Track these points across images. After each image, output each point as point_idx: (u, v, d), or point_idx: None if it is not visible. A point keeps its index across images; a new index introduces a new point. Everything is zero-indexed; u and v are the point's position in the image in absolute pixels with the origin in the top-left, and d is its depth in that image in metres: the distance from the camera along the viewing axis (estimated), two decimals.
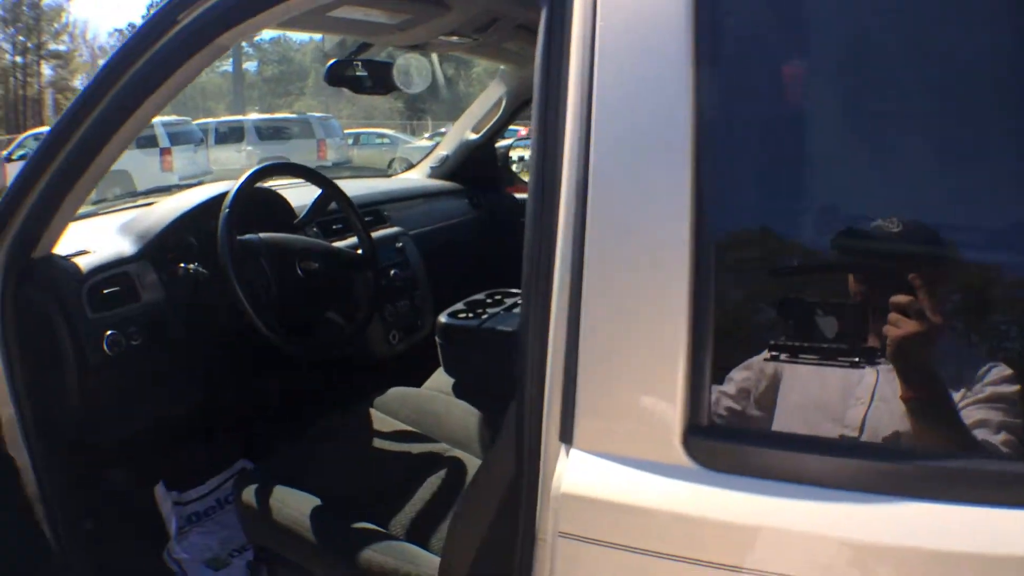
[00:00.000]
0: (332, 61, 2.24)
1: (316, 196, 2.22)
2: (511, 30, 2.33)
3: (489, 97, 3.20)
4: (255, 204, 2.06)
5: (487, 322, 2.25)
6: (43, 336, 1.76)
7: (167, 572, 2.16)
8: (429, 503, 1.75)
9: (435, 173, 3.42)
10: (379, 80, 2.26)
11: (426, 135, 22.40)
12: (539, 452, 0.97)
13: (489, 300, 2.42)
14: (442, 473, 1.83)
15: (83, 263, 1.85)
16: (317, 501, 1.67)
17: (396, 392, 2.14)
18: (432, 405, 2.11)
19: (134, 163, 14.16)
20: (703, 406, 0.88)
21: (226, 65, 45.79)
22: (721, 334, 0.90)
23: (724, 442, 0.90)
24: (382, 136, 20.59)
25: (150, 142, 14.69)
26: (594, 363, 0.92)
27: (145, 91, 1.51)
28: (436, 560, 1.53)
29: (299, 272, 2.01)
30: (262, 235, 2.00)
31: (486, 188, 3.41)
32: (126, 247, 1.98)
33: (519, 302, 2.33)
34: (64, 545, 1.79)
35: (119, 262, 1.92)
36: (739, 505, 0.86)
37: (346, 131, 19.30)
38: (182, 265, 1.98)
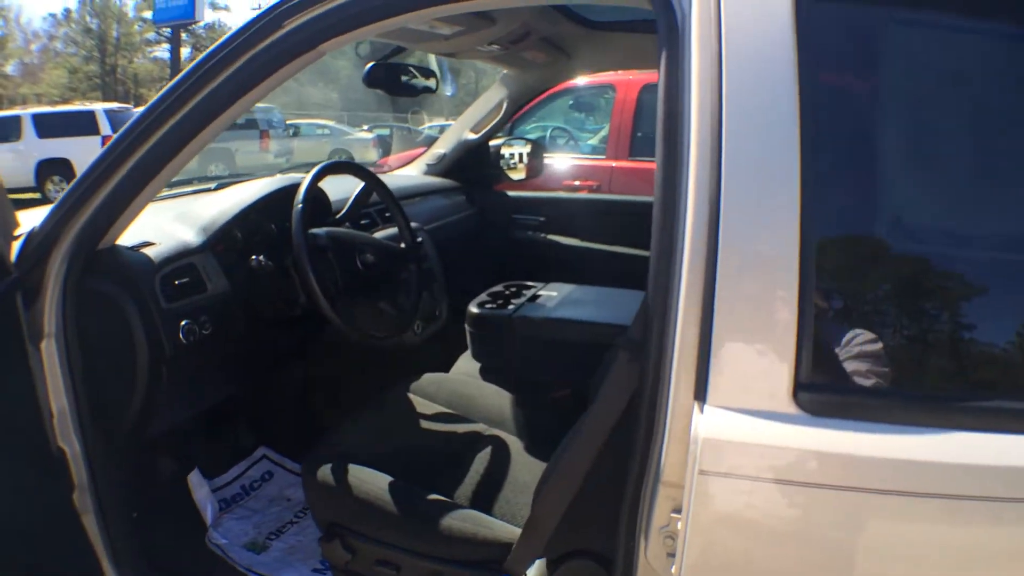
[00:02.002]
0: (371, 64, 2.34)
1: (357, 191, 2.32)
2: (536, 42, 2.47)
3: (490, 99, 3.33)
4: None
5: (518, 311, 2.37)
6: (111, 326, 1.80)
7: (210, 557, 2.23)
8: (483, 475, 1.89)
9: (431, 170, 3.53)
10: (415, 82, 2.38)
11: (365, 127, 22.29)
12: (666, 408, 1.17)
13: (508, 291, 2.54)
14: (488, 449, 1.98)
15: (152, 254, 1.90)
16: (389, 477, 1.77)
17: (430, 377, 2.25)
18: (465, 388, 2.24)
19: (76, 151, 14.09)
20: (806, 369, 1.12)
21: (159, 51, 45.15)
22: (820, 315, 1.13)
23: (822, 395, 1.12)
24: (322, 127, 20.42)
25: (88, 128, 14.56)
26: (725, 339, 1.13)
27: (240, 91, 1.57)
28: (504, 524, 1.69)
29: (359, 265, 2.10)
30: (327, 230, 2.08)
31: (480, 185, 3.56)
32: (190, 238, 2.04)
33: (538, 293, 2.48)
34: (112, 534, 1.86)
35: (186, 253, 1.98)
36: (835, 440, 1.10)
37: (287, 122, 19.15)
38: (254, 257, 2.05)
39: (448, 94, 3.08)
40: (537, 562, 1.58)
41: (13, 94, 42.38)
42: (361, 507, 1.74)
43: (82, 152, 13.93)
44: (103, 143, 14.34)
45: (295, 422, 2.62)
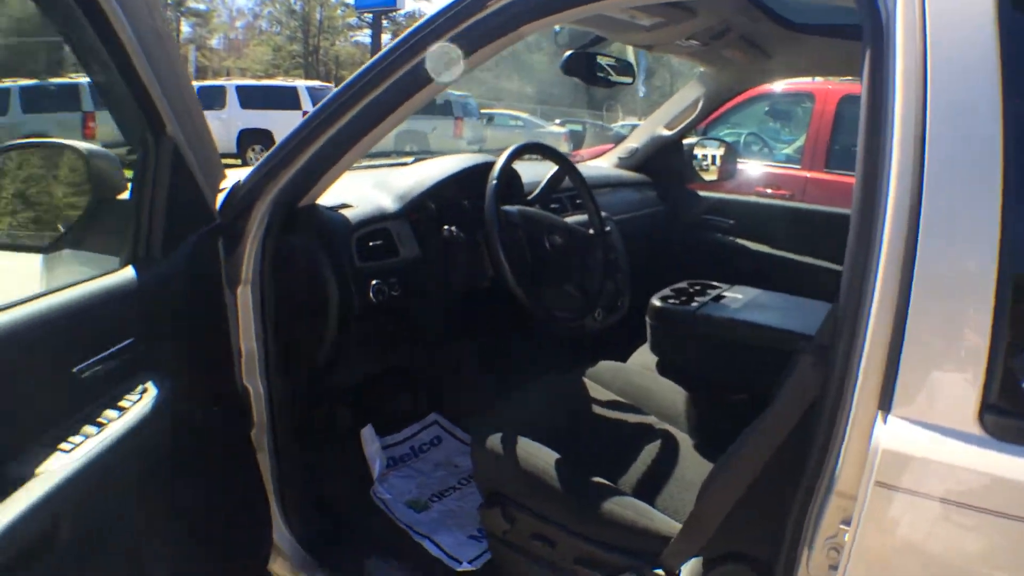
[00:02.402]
0: (569, 52, 2.39)
1: (550, 174, 2.39)
2: (736, 39, 2.45)
3: (686, 96, 3.32)
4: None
5: (702, 309, 2.37)
6: (305, 279, 1.91)
7: (373, 508, 2.35)
8: (650, 467, 1.90)
9: (623, 164, 3.55)
10: (611, 74, 2.41)
11: (557, 121, 22.52)
12: (848, 415, 1.15)
13: (692, 289, 2.54)
14: (657, 442, 1.99)
15: (350, 215, 2.02)
16: (557, 454, 1.81)
17: (607, 365, 2.29)
18: (641, 380, 2.26)
19: (277, 124, 14.81)
20: (995, 391, 1.07)
21: (361, 36, 46.83)
22: (1015, 337, 1.08)
23: (1009, 419, 1.07)
24: (515, 118, 20.83)
25: (291, 103, 15.21)
26: (915, 351, 1.10)
27: None
28: (665, 517, 1.69)
29: (547, 245, 2.16)
30: (519, 208, 2.16)
31: (671, 183, 3.54)
32: (387, 204, 2.15)
33: (723, 294, 2.46)
34: (283, 474, 1.98)
35: (381, 217, 2.10)
36: (1019, 467, 1.05)
37: (481, 111, 19.58)
38: (446, 228, 2.15)
39: (640, 94, 3.10)
40: (693, 560, 1.57)
41: (218, 67, 45.06)
42: (526, 479, 1.79)
43: (283, 124, 14.63)
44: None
45: (469, 393, 2.71)
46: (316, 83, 17.40)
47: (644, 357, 2.50)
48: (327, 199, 1.97)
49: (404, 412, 2.69)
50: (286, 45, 47.67)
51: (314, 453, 2.10)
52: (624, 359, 2.48)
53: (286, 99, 15.74)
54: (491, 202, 2.00)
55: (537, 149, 2.37)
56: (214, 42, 48.06)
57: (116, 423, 1.37)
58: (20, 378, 1.31)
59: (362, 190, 2.18)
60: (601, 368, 2.28)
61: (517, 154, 2.19)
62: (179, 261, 1.65)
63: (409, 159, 2.75)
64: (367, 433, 2.44)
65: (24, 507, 1.18)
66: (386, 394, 2.55)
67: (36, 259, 3.10)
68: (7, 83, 16.39)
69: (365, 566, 2.07)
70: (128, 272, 1.57)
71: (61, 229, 1.74)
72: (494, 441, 1.85)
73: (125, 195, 1.70)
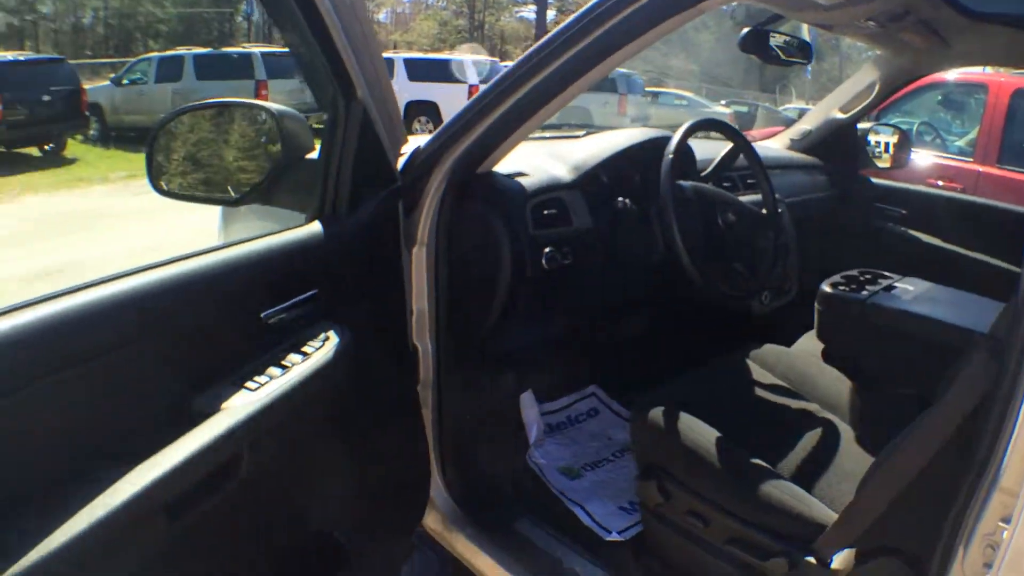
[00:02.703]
0: (746, 29, 2.36)
1: (723, 152, 2.38)
2: (914, 23, 2.37)
3: (860, 80, 3.22)
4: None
5: (872, 298, 2.31)
6: (480, 243, 1.98)
7: (527, 472, 2.42)
8: (809, 454, 1.89)
9: (795, 146, 3.48)
10: (788, 53, 2.37)
11: (723, 102, 22.11)
12: (1019, 410, 1.11)
13: (862, 277, 2.48)
14: (817, 430, 1.97)
15: (526, 183, 2.07)
16: (717, 433, 1.82)
17: (771, 348, 2.27)
18: (805, 366, 2.24)
19: (442, 96, 15.04)
20: None
21: (526, 11, 47.08)
22: None
23: None
24: (680, 98, 20.55)
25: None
26: None
27: (615, 47, 1.66)
28: (821, 505, 1.67)
29: (720, 223, 2.16)
30: (693, 184, 2.16)
31: (843, 167, 3.44)
32: (562, 174, 2.20)
33: (894, 284, 2.38)
34: (444, 432, 2.06)
35: (556, 187, 2.14)
36: None
37: (647, 89, 19.43)
38: (620, 200, 2.17)
39: (808, 77, 3.02)
40: (845, 551, 1.56)
41: (385, 40, 46.06)
42: (686, 455, 1.80)
43: (448, 97, 14.86)
44: (470, 92, 15.40)
45: (629, 367, 2.73)
46: (482, 57, 17.59)
47: (809, 343, 2.46)
48: (503, 167, 2.03)
49: (563, 382, 2.74)
50: (452, 20, 48.54)
51: (474, 414, 2.16)
52: (788, 344, 2.45)
53: (452, 73, 16.00)
54: (667, 176, 2.02)
55: (714, 125, 2.36)
56: (381, 16, 49.47)
57: (299, 366, 1.47)
58: (212, 319, 1.42)
59: (537, 160, 2.23)
60: (765, 351, 2.26)
61: (693, 130, 2.19)
62: (362, 219, 1.75)
63: (580, 132, 2.78)
64: (527, 398, 2.50)
65: (210, 438, 1.29)
66: (547, 362, 2.59)
67: (227, 212, 3.30)
68: (181, 51, 17.32)
69: (515, 527, 2.13)
70: (315, 227, 1.67)
71: (250, 185, 1.85)
72: (656, 414, 1.87)
73: (312, 155, 1.80)
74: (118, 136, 16.17)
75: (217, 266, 1.43)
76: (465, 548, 2.11)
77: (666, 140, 2.18)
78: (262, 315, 1.49)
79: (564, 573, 2.00)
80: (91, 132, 16.30)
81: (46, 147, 14.89)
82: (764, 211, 2.35)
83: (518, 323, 2.08)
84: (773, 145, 3.53)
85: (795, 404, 2.08)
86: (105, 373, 1.25)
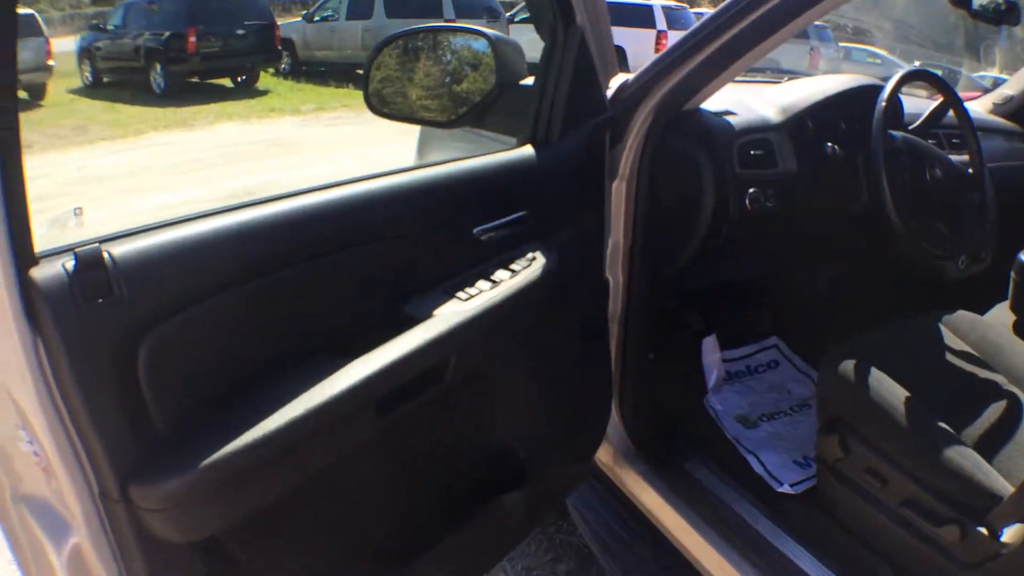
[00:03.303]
0: None
1: (932, 106, 2.28)
2: None
3: None
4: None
5: None
6: (683, 180, 1.97)
7: (703, 416, 2.41)
8: (992, 426, 1.80)
9: (997, 110, 3.29)
10: (998, 12, 2.25)
11: (916, 63, 20.94)
12: None
13: None
14: (1002, 402, 1.88)
15: (734, 122, 2.05)
16: (906, 392, 1.77)
17: (964, 315, 2.17)
18: (997, 337, 2.12)
19: (630, 41, 14.82)
20: None
21: None
22: None
23: None
24: (873, 56, 19.58)
25: (645, 21, 15.24)
26: None
27: None
28: (999, 477, 1.62)
29: (927, 177, 2.08)
30: (903, 135, 2.09)
31: None
32: (770, 115, 2.16)
33: None
34: (626, 366, 2.07)
35: (763, 128, 2.11)
36: None
37: (840, 44, 18.63)
38: (829, 145, 2.12)
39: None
40: (1017, 525, 1.50)
41: None
42: (873, 410, 1.76)
43: (637, 42, 14.63)
44: (658, 38, 15.17)
45: (811, 321, 2.67)
46: (671, 3, 17.23)
47: (1002, 314, 2.33)
48: (709, 105, 2.01)
49: (744, 330, 2.70)
50: None
51: (657, 351, 2.16)
52: (978, 313, 2.35)
53: (641, 18, 15.74)
54: (878, 125, 1.95)
55: (926, 78, 2.26)
56: None
57: (507, 282, 1.53)
58: (428, 230, 1.48)
59: (744, 100, 2.20)
60: (959, 318, 2.16)
61: (906, 80, 2.10)
62: (573, 147, 1.77)
63: (783, 78, 2.71)
64: (709, 342, 2.49)
65: (422, 341, 1.36)
66: (732, 307, 2.57)
67: (424, 141, 3.40)
68: None
69: (686, 467, 2.14)
70: (527, 151, 1.72)
71: (464, 109, 1.90)
72: (847, 367, 1.83)
73: (526, 81, 1.84)
74: (308, 71, 16.76)
75: (437, 179, 1.49)
76: (635, 484, 2.13)
77: (875, 89, 2.10)
78: (475, 230, 1.55)
79: (731, 518, 1.99)
80: (282, 66, 16.95)
81: (239, 79, 15.60)
82: (970, 171, 2.24)
83: (712, 264, 2.07)
84: (974, 107, 3.35)
85: (982, 374, 1.98)
86: (329, 271, 1.33)
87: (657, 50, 15.16)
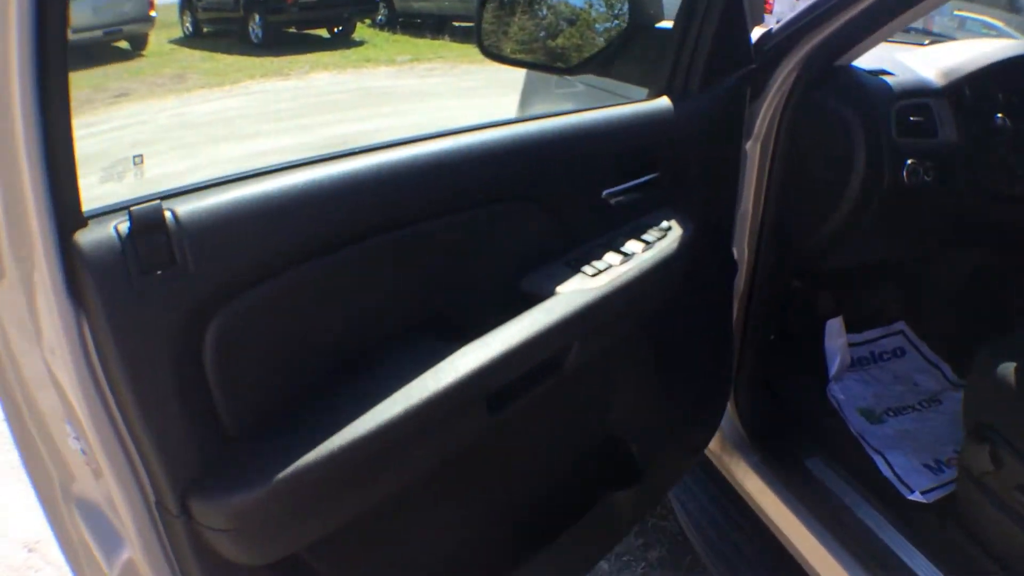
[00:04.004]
0: None
1: None
2: None
3: None
4: None
5: None
6: (830, 144, 1.75)
7: (825, 407, 2.20)
8: None
9: None
10: None
11: None
12: None
13: None
14: None
15: (892, 83, 1.81)
16: None
17: None
18: None
19: None
20: None
21: None
22: None
23: None
24: (989, 26, 18.81)
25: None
26: None
27: None
28: None
29: None
30: None
31: None
32: (930, 78, 1.91)
33: None
34: (744, 348, 1.86)
35: (924, 91, 1.86)
36: None
37: (955, 12, 17.90)
38: (999, 116, 1.88)
39: None
40: None
41: None
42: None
43: None
44: None
45: (947, 309, 2.43)
46: None
47: None
48: (862, 63, 1.79)
49: (871, 312, 2.47)
50: None
51: (779, 334, 1.97)
52: None
53: None
54: None
55: None
56: None
57: (640, 256, 1.33)
58: (552, 190, 1.28)
59: (900, 60, 1.96)
60: None
61: None
62: (715, 101, 1.56)
63: (925, 40, 2.46)
64: (834, 324, 2.27)
65: (543, 326, 1.17)
66: (860, 287, 2.34)
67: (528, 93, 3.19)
68: None
69: (807, 465, 1.93)
70: (663, 103, 1.51)
71: (589, 54, 1.70)
72: (1006, 370, 1.59)
73: (663, 24, 1.63)
74: (404, 22, 16.64)
75: (562, 131, 1.29)
76: (745, 476, 1.95)
77: None
78: (604, 193, 1.35)
79: (855, 524, 1.79)
80: (379, 17, 16.86)
81: (335, 29, 15.57)
82: None
83: (855, 241, 1.86)
84: None
85: None
86: (433, 239, 1.15)
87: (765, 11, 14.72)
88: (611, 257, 1.30)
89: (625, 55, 1.66)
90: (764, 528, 1.95)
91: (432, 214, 1.14)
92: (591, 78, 1.88)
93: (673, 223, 1.42)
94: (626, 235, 1.35)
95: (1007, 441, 1.59)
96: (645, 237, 1.36)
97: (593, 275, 1.25)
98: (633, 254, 1.31)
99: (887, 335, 2.46)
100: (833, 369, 2.26)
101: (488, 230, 1.22)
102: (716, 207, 1.68)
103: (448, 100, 8.93)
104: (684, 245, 1.39)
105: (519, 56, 1.74)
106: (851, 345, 2.37)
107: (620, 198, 1.37)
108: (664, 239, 1.37)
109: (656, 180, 1.44)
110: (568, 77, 2.34)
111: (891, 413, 2.22)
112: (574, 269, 1.25)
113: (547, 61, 1.79)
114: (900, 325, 2.48)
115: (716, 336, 1.79)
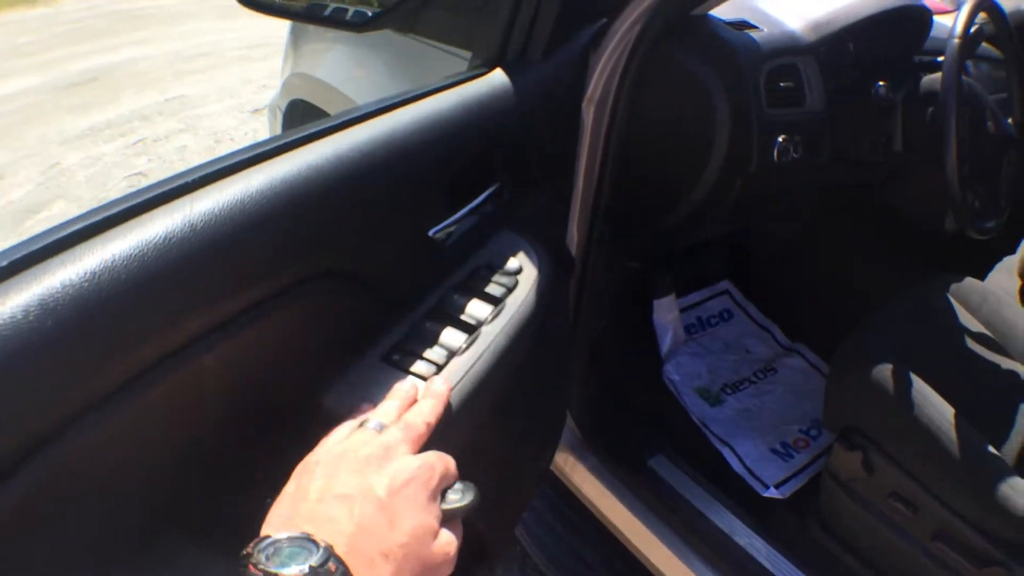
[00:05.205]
0: None
1: None
2: None
3: None
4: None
5: None
6: (685, 112, 1.45)
7: (663, 392, 1.98)
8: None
9: None
10: None
11: None
12: None
13: None
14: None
15: (760, 40, 1.50)
16: (945, 403, 1.38)
17: (973, 285, 1.74)
18: (1007, 310, 1.72)
19: None
20: None
21: None
22: None
23: None
24: None
25: None
26: None
27: None
28: None
29: (985, 130, 1.62)
30: (969, 81, 1.60)
31: None
32: (797, 31, 1.60)
33: None
34: (580, 345, 1.59)
35: (792, 49, 1.56)
36: None
37: None
38: (880, 84, 1.61)
39: None
40: None
41: None
42: (909, 428, 1.36)
43: None
44: None
45: (772, 267, 2.25)
46: None
47: (1005, 279, 1.93)
48: (723, 11, 1.46)
49: (694, 272, 2.25)
50: None
51: (611, 322, 1.71)
52: (984, 277, 1.93)
53: None
54: (953, 65, 1.44)
55: (994, 11, 1.76)
56: None
57: (488, 327, 0.94)
58: (353, 252, 0.88)
59: (764, 7, 1.64)
60: (967, 287, 1.72)
61: (978, 8, 1.54)
62: (562, 68, 1.20)
63: None
64: (664, 303, 2.03)
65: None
66: (686, 259, 2.12)
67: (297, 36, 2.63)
68: None
69: (652, 465, 1.70)
70: (496, 80, 1.11)
71: (385, 5, 1.30)
72: (871, 368, 1.41)
73: None
74: None
75: (365, 151, 0.86)
76: (584, 482, 1.70)
77: (921, 13, 1.65)
78: (430, 232, 0.97)
79: (709, 530, 1.58)
80: None
81: None
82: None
83: (702, 223, 1.60)
84: None
85: (1005, 364, 1.59)
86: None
87: None
88: (449, 337, 0.91)
89: (435, 6, 1.28)
90: (609, 535, 1.72)
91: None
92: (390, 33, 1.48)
93: (522, 258, 1.05)
94: (464, 292, 0.98)
95: (880, 446, 1.42)
96: (490, 291, 0.99)
97: (424, 371, 0.86)
98: (479, 325, 0.94)
99: (713, 296, 2.27)
100: (665, 346, 2.04)
101: (273, 336, 0.80)
102: (561, 207, 1.36)
103: (209, 22, 8.13)
104: (541, 293, 1.04)
105: (285, 4, 1.33)
106: (681, 310, 2.16)
107: (452, 230, 1.01)
108: (515, 291, 1.01)
109: (496, 192, 1.08)
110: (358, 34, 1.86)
111: (728, 390, 2.03)
112: (393, 366, 0.87)
113: (329, 13, 1.37)
114: (725, 284, 2.29)
115: (559, 355, 1.49)
